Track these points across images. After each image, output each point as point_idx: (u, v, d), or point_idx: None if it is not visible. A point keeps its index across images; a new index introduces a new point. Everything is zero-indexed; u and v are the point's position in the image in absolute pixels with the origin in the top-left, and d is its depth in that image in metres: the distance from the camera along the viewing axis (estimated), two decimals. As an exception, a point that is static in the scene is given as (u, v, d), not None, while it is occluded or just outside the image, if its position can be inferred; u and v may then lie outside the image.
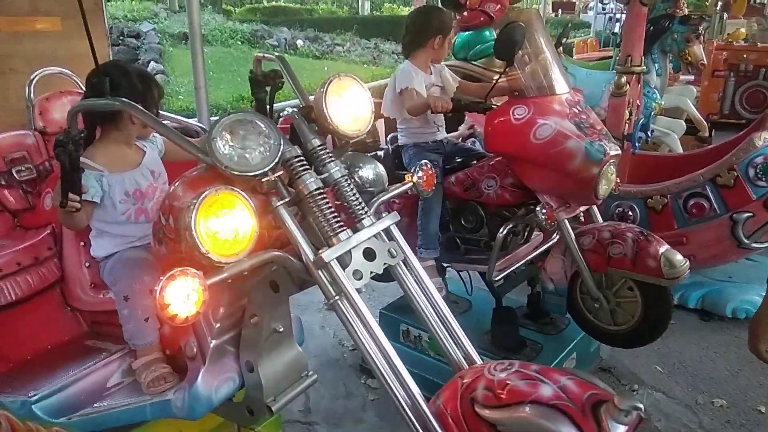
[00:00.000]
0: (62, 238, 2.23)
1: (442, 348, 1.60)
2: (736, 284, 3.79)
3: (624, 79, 3.69)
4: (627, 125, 3.78)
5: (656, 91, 4.78)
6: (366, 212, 1.54)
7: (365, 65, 14.55)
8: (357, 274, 1.46)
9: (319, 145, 1.53)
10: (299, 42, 15.94)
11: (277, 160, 1.41)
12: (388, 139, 3.32)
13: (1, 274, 2.12)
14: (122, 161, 2.01)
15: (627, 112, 3.75)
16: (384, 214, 1.59)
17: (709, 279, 3.83)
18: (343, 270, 1.44)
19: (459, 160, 3.00)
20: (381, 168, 1.73)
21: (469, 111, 2.90)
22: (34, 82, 2.83)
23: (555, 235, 2.77)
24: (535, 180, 2.64)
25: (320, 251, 1.42)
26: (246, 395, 1.75)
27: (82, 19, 3.36)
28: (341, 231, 1.46)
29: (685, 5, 4.99)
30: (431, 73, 2.98)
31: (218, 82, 11.17)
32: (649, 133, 4.60)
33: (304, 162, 1.48)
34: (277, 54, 1.93)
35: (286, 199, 1.45)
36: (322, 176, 1.50)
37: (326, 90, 1.56)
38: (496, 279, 2.73)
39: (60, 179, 1.69)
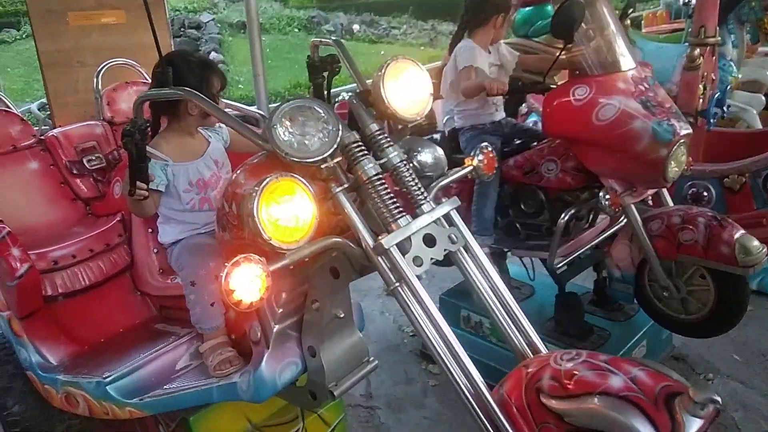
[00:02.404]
0: (131, 225, 2.31)
1: (505, 335, 1.56)
2: (821, 268, 3.56)
3: (697, 51, 3.49)
4: (701, 101, 3.59)
5: (732, 64, 4.54)
6: (425, 197, 1.52)
7: (422, 47, 14.43)
8: (417, 261, 1.45)
9: (377, 130, 1.52)
10: (355, 27, 15.95)
11: (336, 146, 1.40)
12: (443, 121, 3.24)
13: (75, 261, 2.24)
14: (186, 151, 2.05)
15: (701, 86, 3.55)
16: (444, 200, 1.56)
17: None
18: (403, 256, 1.42)
19: (518, 141, 2.90)
20: (440, 152, 1.69)
21: (527, 92, 2.80)
22: (101, 74, 2.92)
23: (622, 219, 2.64)
24: (598, 163, 2.52)
25: (380, 237, 1.41)
26: (309, 379, 1.77)
27: (145, 12, 3.45)
28: (401, 217, 1.44)
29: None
30: (490, 53, 2.90)
31: (276, 70, 11.33)
32: (725, 108, 4.34)
33: (363, 147, 1.47)
34: (334, 38, 1.92)
35: (345, 185, 1.44)
36: (381, 161, 1.49)
37: (384, 73, 1.54)
38: (558, 266, 2.64)
39: (128, 168, 1.75)
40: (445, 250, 1.50)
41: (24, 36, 12.68)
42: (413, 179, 1.52)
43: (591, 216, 2.89)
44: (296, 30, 15.07)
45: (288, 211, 1.34)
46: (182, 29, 13.05)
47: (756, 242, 2.33)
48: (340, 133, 1.41)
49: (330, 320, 1.67)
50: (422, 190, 1.53)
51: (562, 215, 2.60)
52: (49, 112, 3.50)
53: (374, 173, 1.44)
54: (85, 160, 2.66)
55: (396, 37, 15.75)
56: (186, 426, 1.99)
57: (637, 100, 2.37)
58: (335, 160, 1.42)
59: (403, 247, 1.43)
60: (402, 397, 2.94)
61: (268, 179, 1.31)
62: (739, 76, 4.69)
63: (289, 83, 6.72)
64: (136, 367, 1.98)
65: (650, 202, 2.73)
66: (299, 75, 9.75)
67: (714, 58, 3.78)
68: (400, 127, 1.64)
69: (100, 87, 2.92)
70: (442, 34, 15.57)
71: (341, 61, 1.80)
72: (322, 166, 1.41)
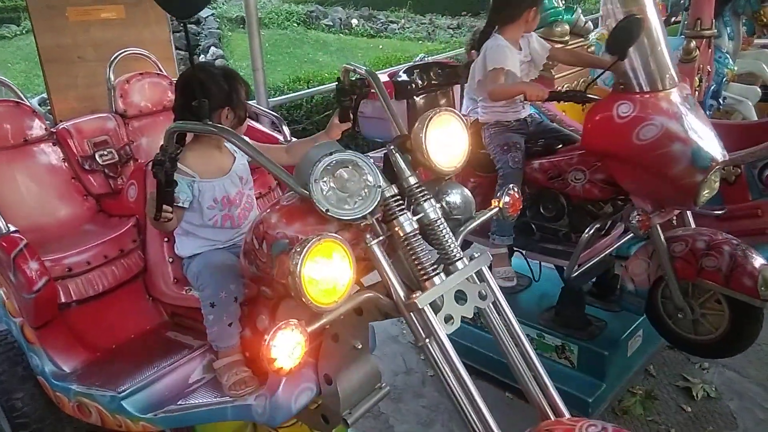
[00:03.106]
0: (146, 231, 2.28)
1: (528, 392, 1.57)
2: (817, 259, 3.58)
3: (693, 44, 3.52)
4: (697, 93, 3.61)
5: (728, 56, 4.55)
6: (459, 255, 1.51)
7: (420, 41, 14.38)
8: (448, 319, 1.45)
9: (415, 183, 1.51)
10: (354, 21, 15.91)
11: (376, 204, 1.41)
12: (466, 112, 3.21)
13: (89, 267, 2.21)
14: (213, 167, 2.01)
15: (697, 78, 3.59)
16: (475, 254, 1.56)
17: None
18: (435, 314, 1.43)
19: (542, 141, 2.83)
20: (467, 193, 1.68)
21: (566, 101, 2.71)
22: (113, 65, 2.89)
23: (627, 237, 2.63)
24: (632, 182, 2.47)
25: (413, 295, 1.41)
26: (322, 404, 1.79)
27: (144, 8, 3.46)
28: (435, 275, 1.45)
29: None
30: (520, 48, 2.82)
31: (275, 65, 11.32)
32: (721, 100, 4.38)
33: (401, 202, 1.47)
34: (367, 69, 1.92)
35: (381, 238, 1.44)
36: (418, 216, 1.49)
37: (427, 126, 1.53)
38: (575, 274, 2.63)
39: (156, 194, 1.73)
40: (475, 307, 1.51)
41: (24, 31, 12.63)
42: (448, 235, 1.52)
43: (608, 225, 2.84)
44: (295, 24, 15.02)
45: (327, 272, 1.34)
46: (182, 25, 12.98)
47: None
48: (381, 191, 1.41)
49: (348, 351, 1.68)
50: (456, 246, 1.52)
51: (587, 230, 2.57)
52: (49, 107, 3.50)
53: (411, 230, 1.45)
54: (97, 155, 2.60)
55: (394, 32, 15.70)
56: (192, 430, 2.02)
57: (679, 122, 2.32)
58: (375, 216, 1.44)
59: (435, 304, 1.44)
60: (401, 386, 2.98)
61: (312, 241, 1.29)
62: (735, 68, 4.70)
63: (288, 78, 6.72)
64: (151, 382, 1.96)
65: (674, 221, 2.71)
66: (298, 69, 9.74)
67: (710, 50, 3.80)
68: (435, 177, 1.64)
69: (112, 78, 2.88)
70: (440, 29, 15.55)
71: (379, 98, 1.81)
72: (362, 223, 1.42)
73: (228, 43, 12.99)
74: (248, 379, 1.86)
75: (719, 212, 3.16)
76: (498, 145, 2.76)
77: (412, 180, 1.51)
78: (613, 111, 2.39)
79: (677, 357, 3.07)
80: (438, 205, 1.53)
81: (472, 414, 1.43)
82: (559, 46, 2.91)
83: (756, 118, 4.85)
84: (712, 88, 3.76)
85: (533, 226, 2.89)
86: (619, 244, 2.71)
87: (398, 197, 1.47)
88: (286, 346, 1.30)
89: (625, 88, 2.42)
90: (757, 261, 2.37)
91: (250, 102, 3.50)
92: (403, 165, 1.53)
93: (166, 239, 2.17)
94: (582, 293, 2.95)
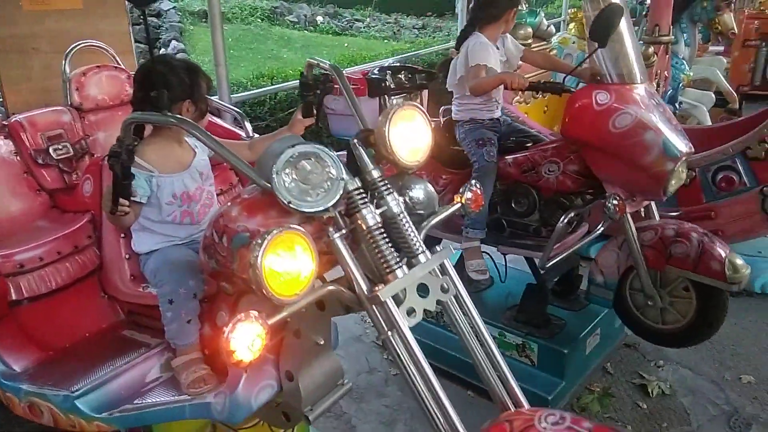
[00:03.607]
0: (101, 227, 2.21)
1: (488, 384, 1.58)
2: (766, 259, 3.71)
3: (651, 49, 3.61)
4: (654, 97, 3.69)
5: (684, 62, 4.68)
6: (421, 248, 1.51)
7: (385, 40, 14.39)
8: (410, 312, 1.45)
9: (378, 177, 1.51)
10: (319, 18, 15.83)
11: (339, 197, 1.40)
12: (440, 111, 3.26)
13: (42, 263, 2.13)
14: (173, 161, 1.97)
15: (654, 83, 3.66)
16: (437, 247, 1.56)
17: (737, 254, 3.75)
18: (398, 307, 1.43)
19: (513, 140, 2.92)
20: (431, 188, 1.69)
21: (545, 91, 2.81)
22: (69, 57, 2.80)
23: (600, 225, 2.68)
24: (606, 170, 2.56)
25: (376, 288, 1.41)
26: (283, 401, 1.77)
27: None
28: (398, 268, 1.45)
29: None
30: (498, 48, 2.91)
31: (239, 60, 11.16)
32: (677, 105, 4.51)
33: (364, 195, 1.46)
34: (331, 64, 1.90)
35: (343, 231, 1.43)
36: (381, 210, 1.48)
37: (390, 120, 1.53)
38: (546, 267, 2.68)
39: (112, 187, 1.68)
40: (437, 300, 1.51)
41: (-27, 20, 12.19)
42: (410, 229, 1.52)
43: (575, 222, 2.92)
44: (259, 20, 14.84)
45: (288, 264, 1.32)
46: (142, 17, 12.71)
47: (741, 261, 2.44)
48: (345, 182, 1.41)
49: (310, 347, 1.67)
50: (419, 239, 1.52)
51: (562, 218, 2.62)
52: (1, 99, 3.37)
53: (374, 223, 1.45)
54: (51, 149, 2.52)
55: (360, 30, 15.67)
56: (148, 430, 1.98)
57: (651, 113, 2.43)
58: (337, 209, 1.43)
59: (398, 297, 1.44)
60: (364, 386, 2.97)
61: (273, 233, 1.28)
62: (691, 74, 4.83)
63: (251, 74, 6.62)
64: (105, 381, 1.90)
65: (641, 213, 2.80)
66: (261, 66, 9.62)
67: (667, 56, 3.90)
68: (398, 171, 1.63)
69: (68, 71, 2.80)
70: (406, 28, 15.58)
71: (342, 92, 1.79)
72: (324, 216, 1.41)
73: (190, 37, 12.76)
74: (207, 376, 1.82)
75: (674, 213, 3.25)
76: (473, 140, 2.83)
77: (376, 173, 1.51)
78: (592, 99, 2.49)
79: (633, 355, 3.15)
80: (401, 199, 1.53)
81: (434, 406, 1.43)
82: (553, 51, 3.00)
83: (710, 123, 5.01)
84: (669, 92, 3.86)
85: (504, 222, 2.95)
86: (586, 240, 2.79)
87: (361, 190, 1.46)
88: (246, 339, 1.27)
89: (601, 80, 2.53)
90: (724, 247, 2.47)
91: (212, 97, 3.44)
92: (366, 159, 1.52)
93: (122, 235, 2.11)
94: (547, 291, 3.00)
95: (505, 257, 3.08)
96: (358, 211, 1.44)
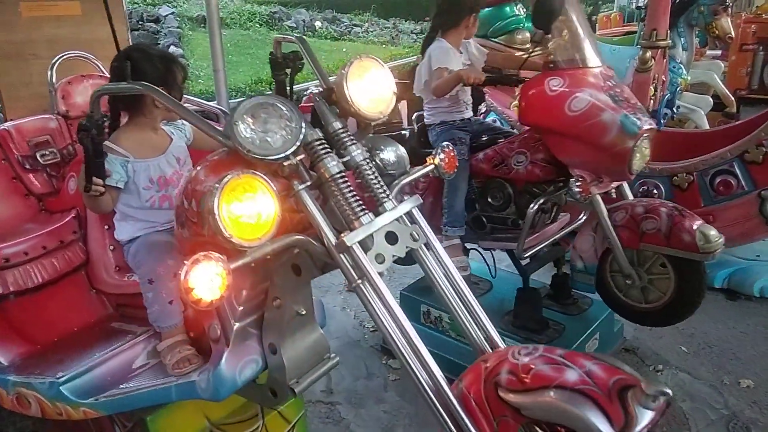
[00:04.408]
0: (87, 222, 2.25)
1: (464, 331, 1.59)
2: (764, 263, 3.73)
3: (649, 54, 3.61)
4: (652, 101, 3.71)
5: (682, 66, 4.69)
6: (388, 196, 1.52)
7: (384, 45, 14.44)
8: (379, 258, 1.45)
9: (340, 128, 1.52)
10: (317, 23, 15.87)
11: (298, 143, 1.40)
12: (413, 117, 3.29)
13: (27, 258, 2.16)
14: (148, 147, 2.00)
15: (652, 87, 3.67)
16: (406, 197, 1.57)
17: (735, 258, 3.76)
18: (365, 253, 1.43)
19: (485, 138, 2.97)
20: (402, 150, 1.71)
21: (501, 84, 2.87)
22: (55, 66, 2.84)
23: (582, 215, 2.72)
24: (569, 153, 2.60)
25: (342, 235, 1.41)
26: (269, 377, 1.76)
27: (103, 4, 3.38)
28: (363, 215, 1.45)
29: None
30: (461, 53, 2.97)
31: (237, 65, 11.19)
32: (674, 109, 4.50)
33: (326, 145, 1.47)
34: (296, 35, 1.91)
35: (308, 183, 1.43)
36: (344, 159, 1.49)
37: (347, 72, 1.53)
38: (524, 257, 2.71)
39: (84, 164, 1.71)
40: (407, 247, 1.51)
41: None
42: (376, 177, 1.52)
43: (554, 211, 2.96)
44: (258, 25, 14.89)
45: (249, 209, 1.33)
46: (140, 22, 12.74)
47: (714, 231, 2.44)
48: (303, 130, 1.41)
49: (291, 317, 1.67)
50: (385, 188, 1.53)
51: (532, 204, 2.65)
52: (0, 106, 3.39)
53: (337, 171, 1.44)
54: (38, 155, 2.56)
55: (358, 35, 15.73)
56: (143, 426, 1.95)
57: (607, 94, 2.47)
58: (298, 158, 1.42)
59: (366, 244, 1.44)
60: (362, 392, 2.96)
61: (229, 176, 1.29)
62: (688, 78, 4.84)
63: (250, 79, 6.63)
64: (92, 367, 1.93)
65: (613, 195, 2.81)
66: (260, 71, 9.64)
67: (665, 60, 3.90)
68: (364, 125, 1.64)
69: (54, 80, 2.84)
70: (404, 33, 15.65)
71: (304, 58, 1.79)
72: (285, 164, 1.40)
73: (188, 42, 12.79)
74: (192, 356, 1.83)
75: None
76: (444, 141, 2.82)
77: (337, 125, 1.52)
78: (545, 86, 2.55)
79: (632, 360, 3.14)
80: (364, 148, 1.53)
81: (408, 350, 1.43)
82: (520, 53, 3.02)
83: (708, 127, 5.02)
84: (666, 97, 3.87)
85: (483, 218, 2.97)
86: (566, 231, 2.81)
87: (323, 141, 1.46)
88: (205, 276, 1.25)
89: (555, 66, 2.58)
90: (694, 220, 2.47)
91: (210, 102, 3.45)
92: (327, 112, 1.53)
93: (106, 227, 2.15)
94: (538, 293, 3.00)
95: (493, 255, 3.11)
96: (321, 161, 1.44)
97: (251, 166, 1.37)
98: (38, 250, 2.18)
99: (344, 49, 13.58)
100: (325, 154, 1.45)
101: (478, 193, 2.95)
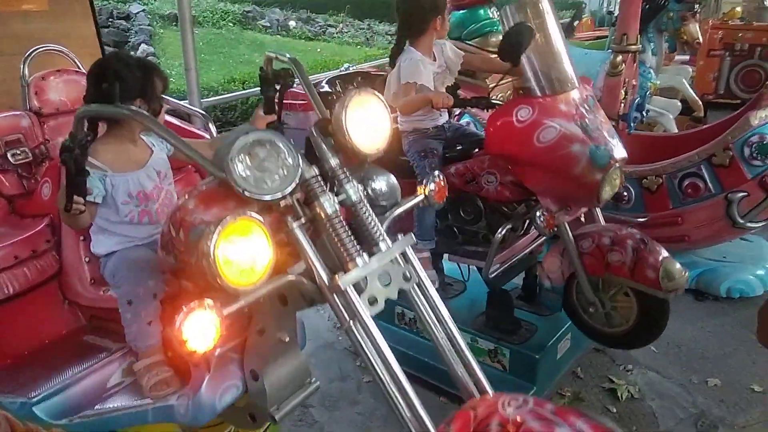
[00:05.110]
0: (61, 230, 2.17)
1: (453, 373, 1.57)
2: (731, 264, 3.80)
3: (620, 58, 3.66)
4: (622, 105, 3.75)
5: (651, 71, 4.76)
6: (382, 236, 1.50)
7: (358, 46, 14.42)
8: (372, 300, 1.44)
9: (336, 165, 1.49)
10: (291, 23, 15.76)
11: (295, 183, 1.37)
12: None
13: None
14: (127, 160, 1.93)
15: (622, 91, 3.72)
16: (399, 236, 1.54)
17: (703, 259, 3.84)
18: (359, 295, 1.41)
19: (459, 147, 2.90)
20: (394, 180, 1.68)
21: (471, 107, 2.79)
22: (28, 61, 2.75)
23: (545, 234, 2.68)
24: (536, 182, 2.56)
25: (336, 276, 1.38)
26: (249, 401, 1.74)
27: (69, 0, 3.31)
28: (358, 256, 1.43)
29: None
30: (435, 58, 2.87)
31: (210, 64, 11.06)
32: (644, 113, 4.57)
33: (322, 183, 1.44)
34: (290, 56, 1.88)
35: (302, 220, 1.41)
36: (340, 198, 1.46)
37: (346, 106, 1.51)
38: (493, 274, 2.69)
39: (65, 184, 1.64)
40: (399, 288, 1.50)
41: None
42: (371, 217, 1.50)
43: (524, 227, 2.93)
44: (231, 24, 14.73)
45: (245, 253, 1.30)
46: (110, 20, 12.48)
47: (679, 266, 2.42)
48: (300, 170, 1.38)
49: (274, 344, 1.64)
50: (379, 227, 1.50)
51: (499, 230, 2.63)
52: (-38, 103, 3.29)
53: (333, 211, 1.42)
54: (9, 154, 2.46)
55: (332, 36, 15.67)
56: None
57: (578, 123, 2.42)
58: (294, 196, 1.40)
59: (359, 286, 1.42)
60: (336, 394, 2.95)
61: (226, 220, 1.25)
62: (658, 82, 4.92)
63: (222, 78, 6.56)
64: (65, 386, 1.86)
65: (583, 218, 2.80)
66: (233, 70, 9.53)
67: (635, 65, 3.97)
68: (358, 161, 1.60)
69: (27, 74, 2.75)
70: (379, 34, 15.63)
71: (300, 81, 1.78)
72: (281, 204, 1.38)
73: (160, 40, 12.59)
74: (170, 379, 1.79)
75: (642, 219, 3.30)
76: (416, 152, 2.82)
77: (334, 162, 1.49)
78: (512, 116, 2.48)
79: (603, 359, 3.18)
80: (361, 187, 1.51)
81: (397, 394, 1.42)
82: (494, 55, 2.98)
83: (676, 131, 5.12)
84: (636, 101, 3.92)
85: (455, 229, 2.95)
86: (533, 246, 2.79)
87: (319, 178, 1.44)
88: (199, 327, 1.24)
89: (525, 93, 2.52)
90: (660, 254, 2.45)
91: (181, 102, 3.39)
92: (324, 147, 1.50)
93: (82, 238, 2.07)
94: (508, 295, 3.00)
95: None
96: (317, 199, 1.42)
97: (245, 201, 1.34)
98: (9, 260, 2.08)
99: (318, 50, 13.52)
100: (321, 192, 1.43)
101: (451, 205, 2.90)
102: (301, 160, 1.39)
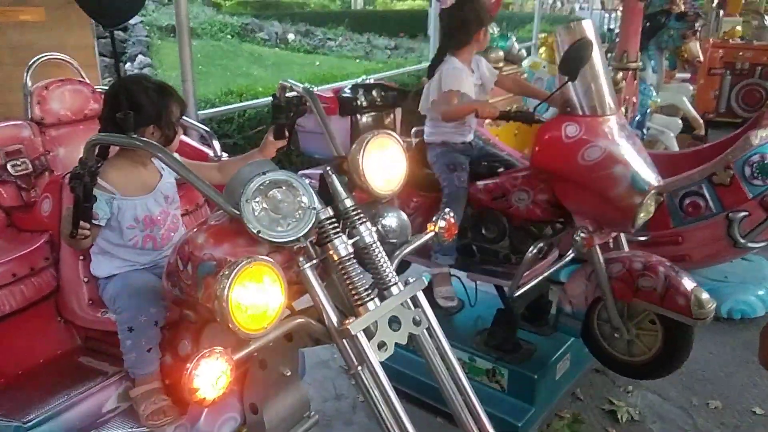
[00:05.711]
0: (60, 248, 2.12)
1: (459, 419, 1.55)
2: (732, 284, 3.78)
3: (620, 75, 3.66)
4: (623, 123, 3.74)
5: (652, 89, 4.77)
6: (394, 279, 1.49)
7: (357, 60, 14.44)
8: (381, 345, 1.42)
9: (351, 206, 1.49)
10: (290, 36, 15.80)
11: (311, 226, 1.36)
12: (412, 132, 3.24)
13: None
14: (136, 184, 1.89)
15: (623, 109, 3.71)
16: (411, 279, 1.54)
17: (704, 279, 3.78)
18: (368, 340, 1.39)
19: (485, 164, 2.91)
20: (404, 217, 1.67)
21: (515, 120, 2.81)
22: (32, 70, 2.72)
23: (570, 251, 2.66)
24: (575, 201, 2.56)
25: (346, 321, 1.37)
26: None
27: (67, 10, 3.29)
28: (369, 300, 1.41)
29: (682, 2, 4.97)
30: (473, 71, 2.91)
31: (207, 76, 11.04)
32: (644, 130, 4.58)
33: (336, 225, 1.43)
34: (305, 87, 1.88)
35: (314, 261, 1.40)
36: (353, 239, 1.45)
37: (364, 148, 1.51)
38: (515, 296, 2.66)
39: (72, 210, 1.62)
40: (409, 333, 1.48)
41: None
42: (383, 259, 1.49)
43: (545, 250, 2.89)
44: (229, 36, 14.76)
45: (257, 298, 1.28)
46: (108, 31, 12.52)
47: (707, 295, 2.42)
48: (316, 213, 1.37)
49: (276, 378, 1.62)
50: (391, 269, 1.50)
51: (531, 249, 2.60)
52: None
53: (346, 254, 1.42)
54: (9, 165, 2.42)
55: (331, 49, 15.70)
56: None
57: (620, 146, 2.44)
58: (309, 239, 1.38)
59: (369, 331, 1.41)
60: (331, 413, 2.90)
61: (241, 264, 1.23)
62: (658, 100, 4.93)
63: (220, 90, 6.53)
64: (60, 411, 1.81)
65: (610, 244, 2.78)
66: (231, 82, 9.52)
67: (635, 82, 3.97)
68: (371, 201, 1.61)
69: (29, 84, 2.71)
70: (378, 48, 15.67)
71: (315, 113, 1.78)
72: (294, 246, 1.36)
73: (157, 51, 12.59)
74: (167, 408, 1.74)
75: (643, 238, 3.27)
76: (444, 165, 2.81)
77: (348, 203, 1.48)
78: (561, 131, 2.48)
79: (603, 380, 3.14)
80: (374, 229, 1.50)
81: None
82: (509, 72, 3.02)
83: (677, 149, 5.11)
84: (637, 118, 3.93)
85: (474, 247, 2.92)
86: (555, 267, 2.76)
87: (333, 220, 1.43)
88: (210, 376, 1.22)
89: (571, 111, 2.53)
90: (690, 282, 2.45)
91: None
92: (339, 187, 1.49)
93: (81, 257, 2.02)
94: (517, 316, 2.97)
95: (475, 281, 3.04)
96: (330, 241, 1.41)
97: (256, 240, 1.33)
98: (7, 278, 2.04)
99: (317, 63, 13.54)
100: (335, 234, 1.42)
101: (472, 222, 2.88)
102: (316, 201, 1.38)
